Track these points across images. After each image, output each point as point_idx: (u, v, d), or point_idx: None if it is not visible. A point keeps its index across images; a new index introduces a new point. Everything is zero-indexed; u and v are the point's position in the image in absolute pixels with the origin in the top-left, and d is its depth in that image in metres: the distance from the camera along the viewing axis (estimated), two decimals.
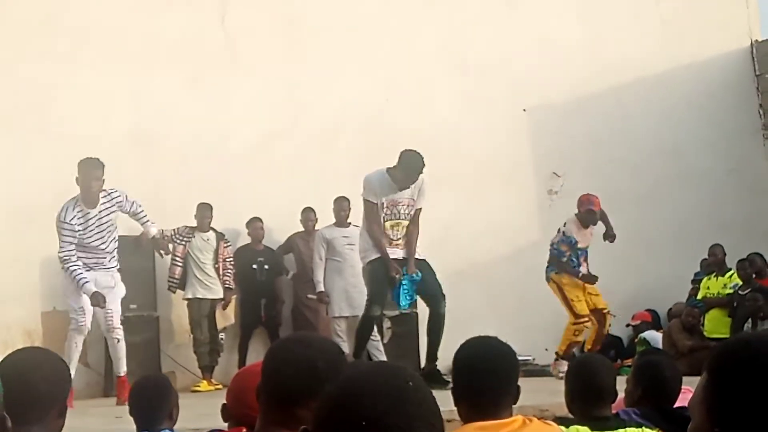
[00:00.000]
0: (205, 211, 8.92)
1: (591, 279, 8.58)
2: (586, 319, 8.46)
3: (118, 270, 7.49)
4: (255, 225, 9.33)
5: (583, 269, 8.60)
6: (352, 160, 9.98)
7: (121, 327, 7.40)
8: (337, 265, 8.86)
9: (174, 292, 9.02)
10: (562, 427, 2.80)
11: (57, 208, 8.52)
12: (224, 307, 8.99)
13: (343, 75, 10.16)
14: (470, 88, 10.68)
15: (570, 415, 3.38)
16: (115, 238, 7.39)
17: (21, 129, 8.79)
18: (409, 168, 7.28)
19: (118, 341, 7.35)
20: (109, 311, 7.27)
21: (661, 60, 11.59)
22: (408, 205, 7.47)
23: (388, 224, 7.40)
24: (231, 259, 9.07)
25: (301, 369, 2.05)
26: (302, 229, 9.43)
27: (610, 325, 9.07)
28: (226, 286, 8.97)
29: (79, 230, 7.18)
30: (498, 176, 10.64)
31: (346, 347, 8.51)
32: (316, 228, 9.26)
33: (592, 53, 11.24)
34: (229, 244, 9.12)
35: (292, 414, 2.04)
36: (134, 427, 3.62)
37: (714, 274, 9.92)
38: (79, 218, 7.19)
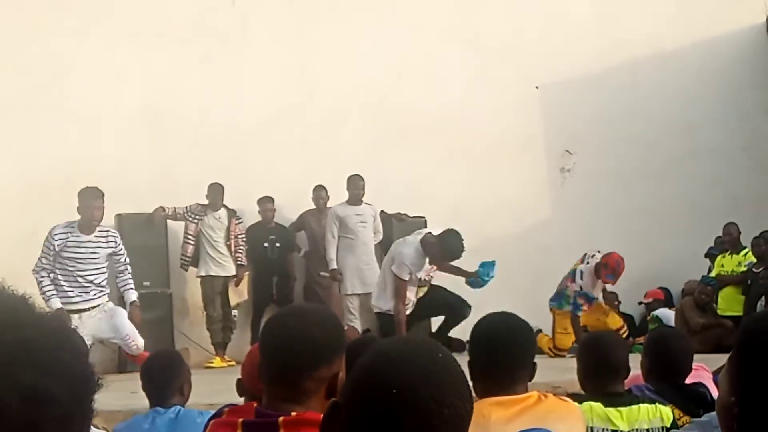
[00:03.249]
0: (216, 192, 8.91)
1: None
2: (564, 355, 8.40)
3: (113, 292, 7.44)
4: (265, 206, 9.33)
5: (585, 309, 8.61)
6: (363, 137, 9.98)
7: (142, 340, 7.25)
8: (349, 243, 8.87)
9: (186, 270, 9.05)
10: (576, 404, 2.80)
11: (68, 185, 8.56)
12: (237, 284, 9.02)
13: (355, 53, 10.12)
14: (482, 66, 10.62)
15: (582, 392, 3.38)
16: (104, 272, 7.27)
17: (32, 107, 8.80)
18: (450, 252, 7.61)
19: (137, 347, 7.22)
20: (126, 337, 7.18)
21: (674, 36, 11.48)
22: (430, 271, 8.03)
23: (412, 291, 7.85)
24: (243, 236, 9.08)
25: (297, 341, 2.00)
26: (314, 207, 9.44)
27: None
28: (238, 262, 8.99)
29: (67, 254, 7.10)
30: (509, 154, 10.61)
31: (359, 324, 8.57)
32: (328, 205, 9.26)
33: (605, 30, 11.15)
34: (240, 221, 9.13)
35: (296, 387, 2.01)
36: (148, 402, 3.65)
37: (729, 252, 9.87)
38: (70, 240, 7.12)
